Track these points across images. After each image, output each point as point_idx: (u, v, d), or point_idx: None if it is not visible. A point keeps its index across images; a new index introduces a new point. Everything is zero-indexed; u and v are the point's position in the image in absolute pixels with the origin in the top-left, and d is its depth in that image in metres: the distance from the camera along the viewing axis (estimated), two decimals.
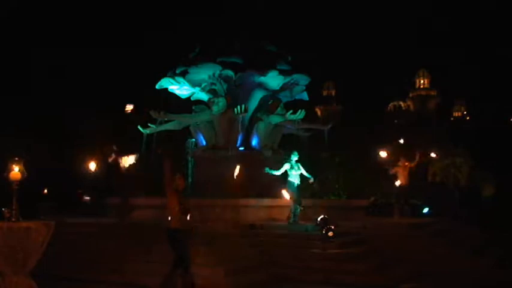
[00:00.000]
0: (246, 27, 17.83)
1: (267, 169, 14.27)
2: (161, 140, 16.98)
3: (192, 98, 17.99)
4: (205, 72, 16.96)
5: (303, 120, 16.89)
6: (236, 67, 16.88)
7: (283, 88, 17.44)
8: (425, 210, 17.98)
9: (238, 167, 15.33)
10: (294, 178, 13.84)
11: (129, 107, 17.26)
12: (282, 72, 16.92)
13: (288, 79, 17.23)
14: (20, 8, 30.82)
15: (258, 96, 17.38)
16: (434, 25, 53.38)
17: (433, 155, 18.91)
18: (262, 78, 16.82)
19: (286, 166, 13.90)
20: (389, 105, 55.99)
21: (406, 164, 17.19)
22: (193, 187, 16.66)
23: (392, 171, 17.38)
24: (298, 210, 13.61)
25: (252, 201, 14.51)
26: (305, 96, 18.32)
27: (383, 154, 18.22)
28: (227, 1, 19.50)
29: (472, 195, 20.95)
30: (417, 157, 17.92)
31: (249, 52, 17.09)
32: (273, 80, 16.95)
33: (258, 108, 17.44)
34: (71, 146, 21.90)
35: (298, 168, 13.97)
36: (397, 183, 17.25)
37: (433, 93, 55.73)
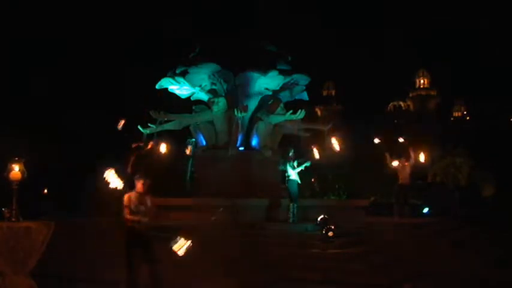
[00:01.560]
0: (246, 27, 17.81)
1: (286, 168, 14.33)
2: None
3: (192, 98, 17.97)
4: (205, 72, 16.95)
5: (303, 120, 16.88)
6: (236, 67, 16.87)
7: (283, 88, 17.42)
8: (425, 210, 17.95)
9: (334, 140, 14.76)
10: (296, 177, 13.87)
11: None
12: (282, 72, 16.90)
13: (288, 79, 17.21)
14: (20, 8, 30.83)
15: (258, 96, 17.37)
16: (433, 25, 53.43)
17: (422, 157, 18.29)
18: (262, 78, 16.81)
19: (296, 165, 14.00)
20: (389, 105, 56.07)
21: (406, 164, 17.05)
22: (193, 187, 16.68)
23: (392, 164, 16.83)
24: (297, 209, 13.61)
25: (252, 201, 14.51)
26: (305, 96, 18.30)
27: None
28: (227, 1, 19.51)
29: (472, 195, 20.95)
30: (412, 154, 17.20)
31: (249, 52, 17.08)
32: (273, 80, 16.93)
33: (258, 108, 17.42)
34: (71, 148, 21.88)
35: (298, 166, 14.06)
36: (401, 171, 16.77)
37: (433, 93, 55.80)
